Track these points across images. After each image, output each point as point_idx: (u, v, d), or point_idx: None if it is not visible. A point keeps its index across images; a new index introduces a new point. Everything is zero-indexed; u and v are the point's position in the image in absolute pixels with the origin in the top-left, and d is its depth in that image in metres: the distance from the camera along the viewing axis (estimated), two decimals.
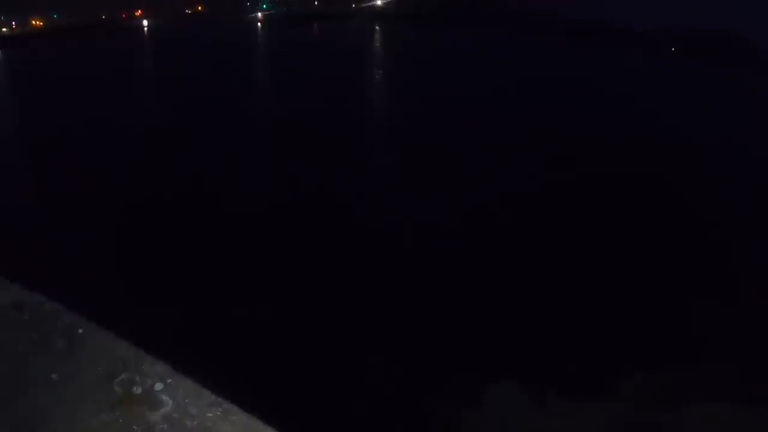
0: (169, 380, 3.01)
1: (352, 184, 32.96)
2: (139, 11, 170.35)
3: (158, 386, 2.97)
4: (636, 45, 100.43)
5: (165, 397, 2.92)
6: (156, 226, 26.07)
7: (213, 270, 21.37)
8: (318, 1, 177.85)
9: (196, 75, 72.90)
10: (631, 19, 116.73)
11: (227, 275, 20.88)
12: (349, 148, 41.04)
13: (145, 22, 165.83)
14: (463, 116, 48.89)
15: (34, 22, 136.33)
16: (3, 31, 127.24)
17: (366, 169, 36.91)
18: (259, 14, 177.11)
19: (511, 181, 32.83)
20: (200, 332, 15.75)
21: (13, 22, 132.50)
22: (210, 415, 2.85)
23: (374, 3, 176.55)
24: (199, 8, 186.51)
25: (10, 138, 44.74)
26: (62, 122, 47.19)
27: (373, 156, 40.66)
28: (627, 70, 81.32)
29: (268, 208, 28.70)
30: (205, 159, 38.51)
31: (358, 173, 35.82)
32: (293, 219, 27.09)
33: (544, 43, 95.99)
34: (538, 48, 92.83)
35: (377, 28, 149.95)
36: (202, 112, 51.24)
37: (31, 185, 32.46)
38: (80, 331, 3.37)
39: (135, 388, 2.97)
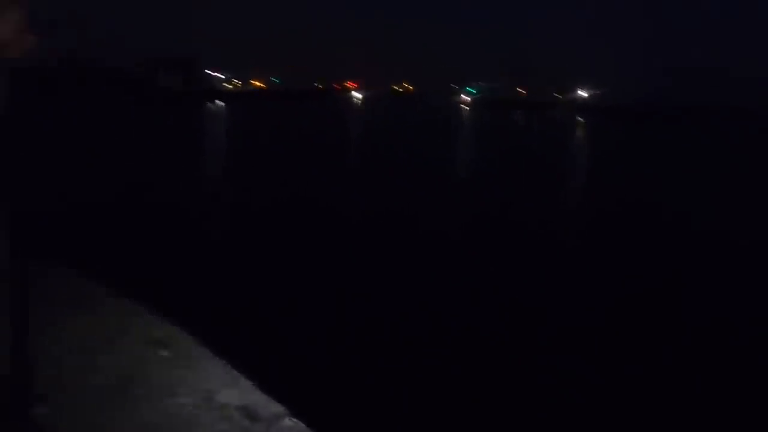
0: None
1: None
2: (352, 83, 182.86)
3: None
4: None
5: None
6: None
7: None
8: (523, 88, 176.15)
9: (402, 144, 71.02)
10: None
11: None
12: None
13: (357, 94, 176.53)
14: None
15: (254, 83, 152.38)
16: (228, 87, 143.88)
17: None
18: (465, 97, 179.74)
19: None
20: None
21: (238, 82, 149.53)
22: None
23: (578, 94, 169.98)
24: (410, 87, 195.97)
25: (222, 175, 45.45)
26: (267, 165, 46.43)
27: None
28: None
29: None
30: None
31: None
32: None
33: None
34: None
35: (581, 119, 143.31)
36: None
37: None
38: None
39: None
